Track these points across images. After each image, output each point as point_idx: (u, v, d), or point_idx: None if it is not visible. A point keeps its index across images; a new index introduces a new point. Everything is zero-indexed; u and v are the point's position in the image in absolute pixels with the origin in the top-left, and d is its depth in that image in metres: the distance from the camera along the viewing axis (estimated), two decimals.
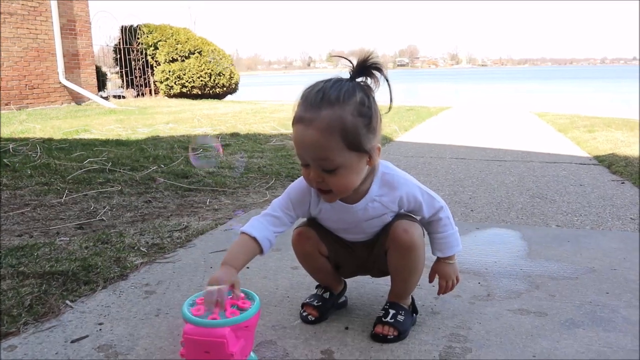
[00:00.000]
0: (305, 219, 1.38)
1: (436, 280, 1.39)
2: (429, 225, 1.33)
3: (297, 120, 1.14)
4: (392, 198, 1.26)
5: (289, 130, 6.23)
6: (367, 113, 1.14)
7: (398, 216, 1.29)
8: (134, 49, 12.56)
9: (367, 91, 1.16)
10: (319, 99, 1.12)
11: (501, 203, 2.79)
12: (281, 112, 8.69)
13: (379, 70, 1.16)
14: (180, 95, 12.53)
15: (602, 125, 6.51)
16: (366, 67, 1.16)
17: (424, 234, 1.31)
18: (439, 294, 1.40)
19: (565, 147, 4.93)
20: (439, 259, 1.37)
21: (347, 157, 1.13)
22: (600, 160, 4.10)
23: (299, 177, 1.31)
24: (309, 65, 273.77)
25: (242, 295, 1.15)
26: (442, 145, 5.11)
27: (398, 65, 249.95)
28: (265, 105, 10.68)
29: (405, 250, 1.26)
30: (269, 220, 1.27)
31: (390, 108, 1.21)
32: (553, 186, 3.21)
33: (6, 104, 8.66)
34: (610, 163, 3.88)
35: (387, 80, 1.18)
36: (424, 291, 1.54)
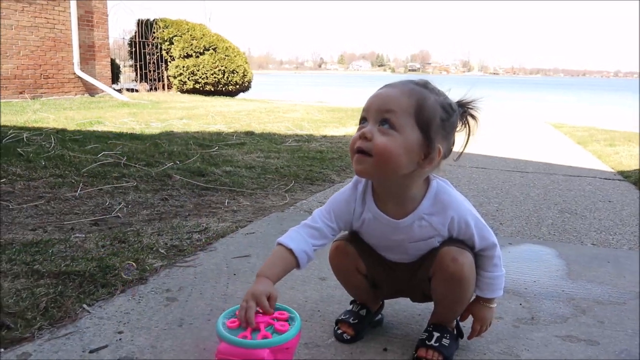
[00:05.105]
0: (346, 232, 1.27)
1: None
2: (477, 258, 1.19)
3: (381, 88, 1.13)
4: (442, 219, 1.15)
5: (303, 131, 6.16)
6: (449, 112, 1.11)
7: (447, 242, 1.17)
8: (149, 43, 12.52)
9: (456, 107, 1.14)
10: (413, 80, 1.14)
11: (530, 217, 2.68)
12: (295, 112, 8.61)
13: (473, 118, 1.17)
14: (193, 91, 12.47)
15: (622, 140, 6.36)
16: (464, 106, 1.16)
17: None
18: (469, 338, 1.25)
19: (587, 161, 4.80)
20: (477, 299, 1.23)
21: (409, 127, 1.07)
22: (626, 175, 3.97)
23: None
24: (319, 66, 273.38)
25: (278, 312, 1.06)
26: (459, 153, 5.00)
27: (409, 70, 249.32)
28: (279, 105, 10.59)
29: (452, 281, 1.14)
30: (308, 232, 1.17)
31: (459, 156, 1.19)
32: (581, 201, 3.09)
33: (20, 92, 8.63)
34: (637, 179, 3.75)
35: (468, 133, 1.18)
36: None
